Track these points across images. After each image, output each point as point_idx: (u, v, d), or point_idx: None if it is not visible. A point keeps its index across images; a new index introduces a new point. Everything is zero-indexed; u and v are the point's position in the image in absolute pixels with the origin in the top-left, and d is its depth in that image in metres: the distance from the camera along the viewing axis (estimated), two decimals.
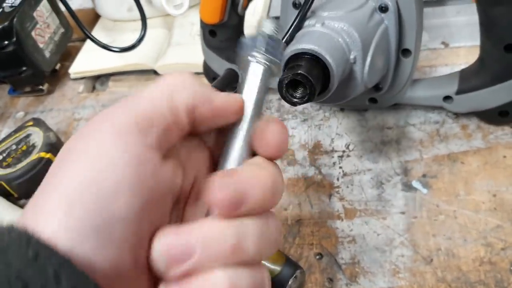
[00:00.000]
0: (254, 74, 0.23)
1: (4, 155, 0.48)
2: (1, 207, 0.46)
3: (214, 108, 0.22)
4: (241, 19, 0.49)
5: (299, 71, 0.33)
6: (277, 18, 0.63)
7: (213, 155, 0.24)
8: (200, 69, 0.54)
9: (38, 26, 0.58)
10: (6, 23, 0.54)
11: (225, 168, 0.22)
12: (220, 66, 0.50)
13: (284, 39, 0.37)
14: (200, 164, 0.23)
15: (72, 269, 0.16)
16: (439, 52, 0.54)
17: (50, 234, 0.17)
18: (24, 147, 0.49)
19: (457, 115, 0.47)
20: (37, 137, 0.49)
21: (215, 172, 0.21)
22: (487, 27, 0.41)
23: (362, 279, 0.37)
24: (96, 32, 0.66)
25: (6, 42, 0.54)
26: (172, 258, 0.19)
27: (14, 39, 0.54)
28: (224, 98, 0.22)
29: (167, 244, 0.19)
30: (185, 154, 0.23)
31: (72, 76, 0.63)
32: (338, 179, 0.45)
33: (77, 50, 0.65)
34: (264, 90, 0.24)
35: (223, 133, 0.23)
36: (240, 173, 0.20)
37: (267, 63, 0.24)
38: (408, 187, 0.43)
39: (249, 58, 0.24)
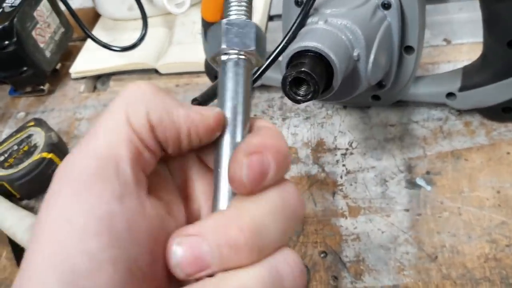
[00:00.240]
0: (230, 74, 0.20)
1: (6, 155, 0.48)
2: (3, 207, 0.46)
3: (177, 126, 0.19)
4: None
5: (302, 69, 0.33)
6: (279, 16, 0.63)
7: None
8: (202, 68, 0.54)
9: (38, 25, 0.58)
10: (6, 23, 0.54)
11: (218, 210, 0.19)
12: None
13: (287, 37, 0.37)
14: (194, 171, 0.22)
15: None
16: (441, 49, 0.54)
17: None
18: (26, 148, 0.49)
19: (460, 112, 0.47)
20: (38, 137, 0.49)
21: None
22: (490, 23, 0.41)
23: (367, 276, 0.37)
24: (97, 32, 0.65)
25: (6, 42, 0.54)
26: (188, 271, 0.18)
27: (15, 39, 0.54)
28: (190, 112, 0.19)
29: (179, 258, 0.18)
30: (179, 172, 0.21)
31: (73, 76, 0.63)
32: (341, 177, 0.44)
33: (77, 49, 0.65)
34: (246, 89, 0.20)
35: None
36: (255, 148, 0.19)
37: (241, 57, 0.20)
38: (412, 184, 0.42)
39: (220, 56, 0.20)
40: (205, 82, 0.57)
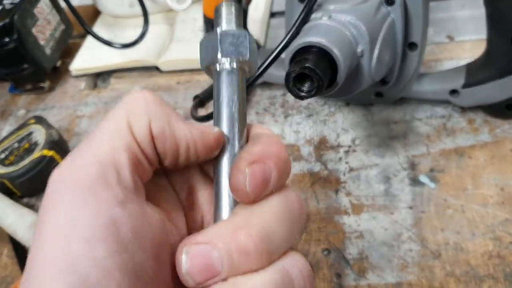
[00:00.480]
0: (226, 82, 0.20)
1: (7, 153, 0.48)
2: (4, 205, 0.45)
3: (177, 139, 0.19)
4: (244, 14, 0.48)
5: (306, 65, 0.32)
6: (280, 13, 0.62)
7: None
8: None
9: (38, 23, 0.58)
10: (7, 20, 0.53)
11: (221, 219, 0.19)
12: None
13: (290, 33, 0.37)
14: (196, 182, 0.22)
15: None
16: (444, 46, 0.54)
17: None
18: (27, 145, 0.48)
19: (463, 109, 0.47)
20: (39, 134, 0.49)
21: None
22: (493, 20, 0.40)
23: (370, 274, 0.37)
24: (97, 29, 0.65)
25: (7, 39, 0.54)
26: (198, 279, 0.18)
27: (15, 36, 0.54)
28: (191, 128, 0.20)
29: (189, 266, 0.18)
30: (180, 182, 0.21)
31: (73, 73, 0.62)
32: (344, 174, 0.44)
33: (78, 47, 0.65)
34: (242, 97, 0.20)
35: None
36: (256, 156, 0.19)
37: (235, 66, 0.20)
38: (415, 181, 0.42)
39: (214, 66, 0.20)
40: (206, 79, 0.57)
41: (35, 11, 0.58)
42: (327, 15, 0.36)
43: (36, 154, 0.47)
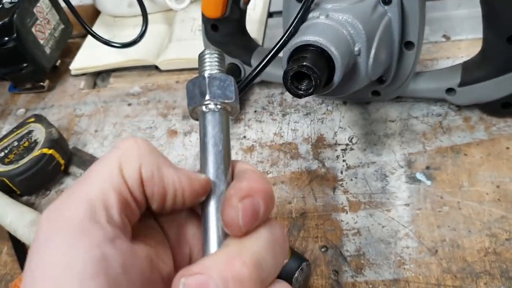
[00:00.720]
0: (212, 123, 0.22)
1: (6, 151, 0.48)
2: (4, 203, 0.46)
3: (165, 184, 0.20)
4: (243, 13, 0.49)
5: (304, 63, 0.33)
6: (278, 13, 0.63)
7: None
8: None
9: (38, 22, 0.58)
10: (6, 19, 0.53)
11: (209, 253, 0.21)
12: None
13: (288, 32, 0.37)
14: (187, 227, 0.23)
15: None
16: (440, 45, 0.54)
17: None
18: (26, 144, 0.49)
19: (459, 108, 0.47)
20: (39, 133, 0.49)
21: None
22: (489, 18, 0.41)
23: (367, 271, 0.37)
24: (96, 28, 0.65)
25: (6, 39, 0.54)
26: None
27: (15, 35, 0.54)
28: (179, 174, 0.21)
29: None
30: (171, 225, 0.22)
31: (73, 72, 0.63)
32: (341, 172, 0.45)
33: (77, 46, 0.65)
34: (226, 136, 0.22)
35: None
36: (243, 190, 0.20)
37: (221, 107, 0.22)
38: (412, 179, 0.43)
39: (201, 108, 0.22)
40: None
41: (35, 10, 0.58)
42: (325, 14, 0.37)
43: (35, 153, 0.47)
